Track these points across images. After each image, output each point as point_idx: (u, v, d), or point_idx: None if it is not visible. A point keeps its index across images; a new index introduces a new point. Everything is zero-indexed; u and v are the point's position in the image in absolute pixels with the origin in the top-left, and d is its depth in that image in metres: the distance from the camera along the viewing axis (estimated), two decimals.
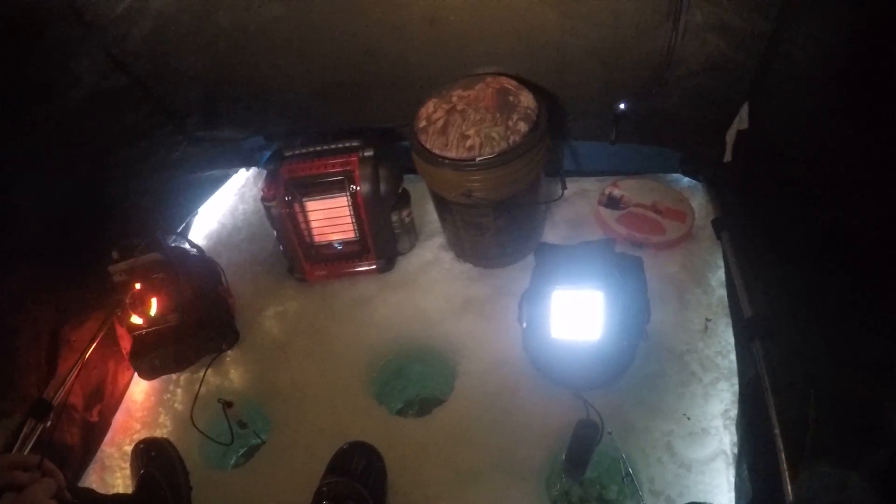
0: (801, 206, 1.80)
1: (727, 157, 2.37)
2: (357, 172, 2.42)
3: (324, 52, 2.51)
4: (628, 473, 1.94)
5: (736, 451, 1.94)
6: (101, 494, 1.97)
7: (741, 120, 2.26)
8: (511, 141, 2.13)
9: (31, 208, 2.14)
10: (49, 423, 2.10)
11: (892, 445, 1.17)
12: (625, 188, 2.70)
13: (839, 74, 1.61)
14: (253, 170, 3.35)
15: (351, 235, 2.58)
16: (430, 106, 2.29)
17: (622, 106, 2.43)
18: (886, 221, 1.30)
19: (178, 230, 2.94)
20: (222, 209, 3.21)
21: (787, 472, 1.59)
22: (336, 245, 2.62)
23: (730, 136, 2.33)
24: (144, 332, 2.32)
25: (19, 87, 2.09)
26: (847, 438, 1.37)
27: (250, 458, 2.25)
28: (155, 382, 2.48)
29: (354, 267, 2.66)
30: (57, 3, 2.09)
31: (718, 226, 2.46)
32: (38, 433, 2.05)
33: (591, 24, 2.21)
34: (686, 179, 2.79)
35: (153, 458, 2.12)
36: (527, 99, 2.24)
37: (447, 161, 2.18)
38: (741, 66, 2.13)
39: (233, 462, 2.49)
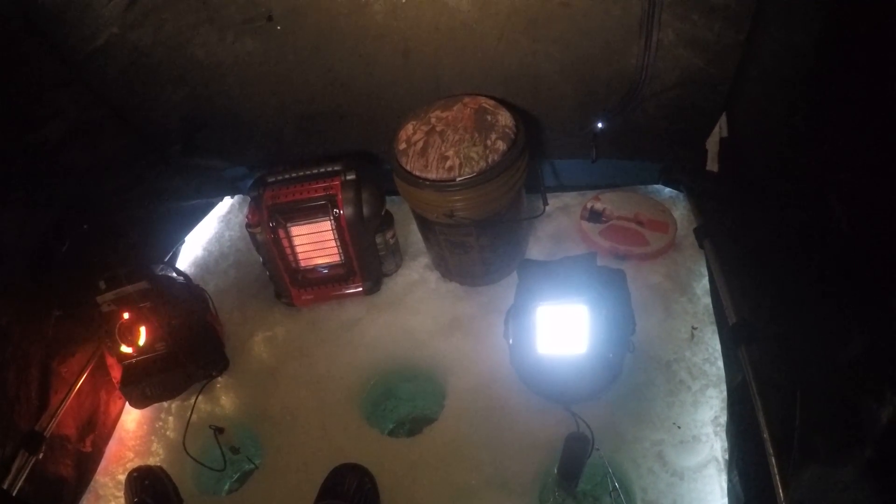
0: (777, 210, 1.82)
1: (713, 166, 2.39)
2: (340, 196, 2.43)
3: (299, 85, 2.54)
4: (615, 488, 1.95)
5: (727, 456, 1.95)
6: None
7: (722, 129, 2.28)
8: (490, 160, 2.15)
9: (14, 242, 2.15)
10: (42, 455, 2.10)
11: (876, 441, 1.18)
12: (606, 201, 2.72)
13: (810, 80, 1.63)
14: (238, 197, 3.35)
15: (336, 259, 2.59)
16: (409, 128, 2.31)
17: (599, 124, 2.44)
18: (859, 223, 1.32)
19: (165, 259, 2.94)
20: (208, 236, 3.22)
21: (777, 475, 1.61)
22: (322, 269, 2.63)
23: (712, 146, 2.35)
24: (134, 361, 2.33)
25: None
26: (833, 437, 1.39)
27: (244, 483, 2.25)
28: (147, 411, 2.48)
29: (341, 290, 2.67)
30: (33, 39, 2.11)
31: (701, 234, 2.48)
32: (30, 465, 2.05)
33: (562, 46, 2.24)
34: (667, 190, 2.81)
35: (147, 486, 2.12)
36: (505, 118, 2.25)
37: (428, 182, 2.19)
38: (716, 78, 2.15)
39: (227, 488, 2.49)
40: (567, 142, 2.64)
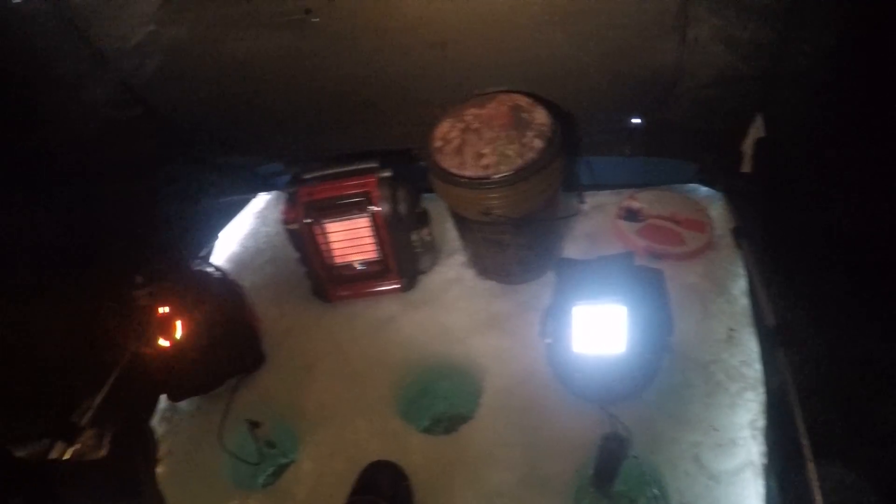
0: (817, 212, 1.81)
1: (746, 166, 2.37)
2: (376, 193, 2.44)
3: (334, 80, 2.53)
4: (654, 495, 1.94)
5: (764, 461, 1.94)
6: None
7: (759, 128, 2.26)
8: (527, 158, 2.14)
9: (51, 239, 2.17)
10: (77, 446, 2.13)
11: None
12: (643, 200, 2.70)
13: (844, 79, 1.62)
14: (274, 193, 3.37)
15: (372, 256, 2.60)
16: (445, 125, 2.31)
17: (634, 120, 2.44)
18: None
19: (202, 254, 2.96)
20: (244, 232, 3.23)
21: (815, 481, 1.59)
22: (358, 265, 2.63)
23: (748, 146, 2.33)
24: (171, 355, 2.33)
25: (34, 119, 2.12)
26: (872, 444, 1.38)
27: (278, 477, 2.26)
28: (182, 404, 2.50)
29: (377, 287, 2.68)
30: (69, 36, 2.12)
31: (738, 234, 2.46)
32: (67, 455, 2.08)
33: (598, 41, 2.22)
34: (704, 189, 2.79)
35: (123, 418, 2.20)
36: (540, 115, 2.25)
37: (464, 180, 2.19)
38: (751, 76, 2.13)
39: (261, 482, 2.49)
40: (603, 139, 2.63)
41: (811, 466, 1.63)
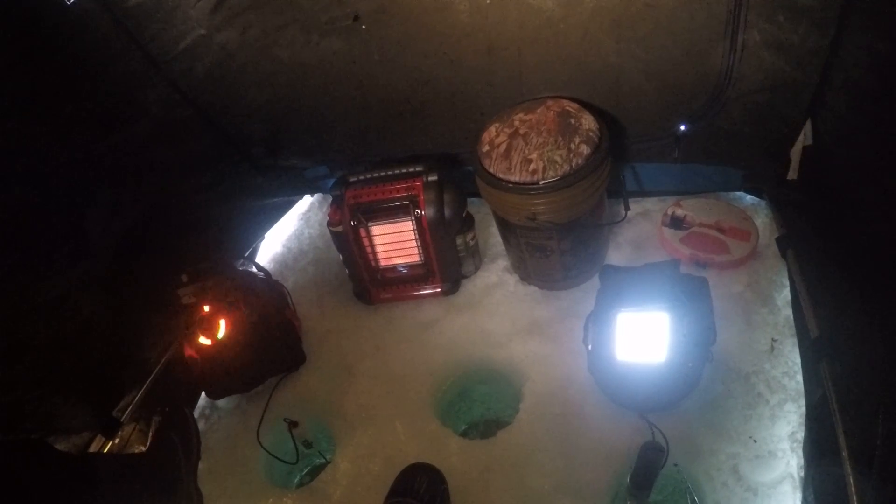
0: (865, 223, 1.79)
1: (792, 174, 2.35)
2: (422, 197, 2.44)
3: (383, 85, 2.55)
4: (694, 502, 1.93)
5: (803, 474, 1.91)
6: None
7: (806, 136, 2.24)
8: (574, 164, 2.14)
9: (101, 235, 2.20)
10: (117, 441, 2.15)
11: None
12: (688, 208, 2.69)
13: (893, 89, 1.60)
14: (318, 195, 3.41)
15: (416, 259, 2.61)
16: (492, 130, 2.31)
17: (682, 126, 2.42)
18: None
19: (246, 254, 2.99)
20: (288, 233, 3.28)
21: (855, 495, 1.57)
22: (401, 268, 2.65)
23: (795, 153, 2.31)
24: (212, 353, 2.35)
25: (88, 120, 2.15)
26: None
27: (315, 477, 2.27)
28: (222, 402, 2.52)
29: (419, 290, 2.69)
30: (121, 39, 2.16)
31: (783, 244, 2.43)
32: (106, 449, 2.10)
33: (647, 47, 2.22)
34: (749, 197, 2.76)
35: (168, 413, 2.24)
36: (588, 121, 2.24)
37: (511, 185, 2.20)
38: (800, 82, 2.11)
39: (297, 481, 2.52)
40: (649, 145, 2.62)
41: (851, 481, 1.61)
